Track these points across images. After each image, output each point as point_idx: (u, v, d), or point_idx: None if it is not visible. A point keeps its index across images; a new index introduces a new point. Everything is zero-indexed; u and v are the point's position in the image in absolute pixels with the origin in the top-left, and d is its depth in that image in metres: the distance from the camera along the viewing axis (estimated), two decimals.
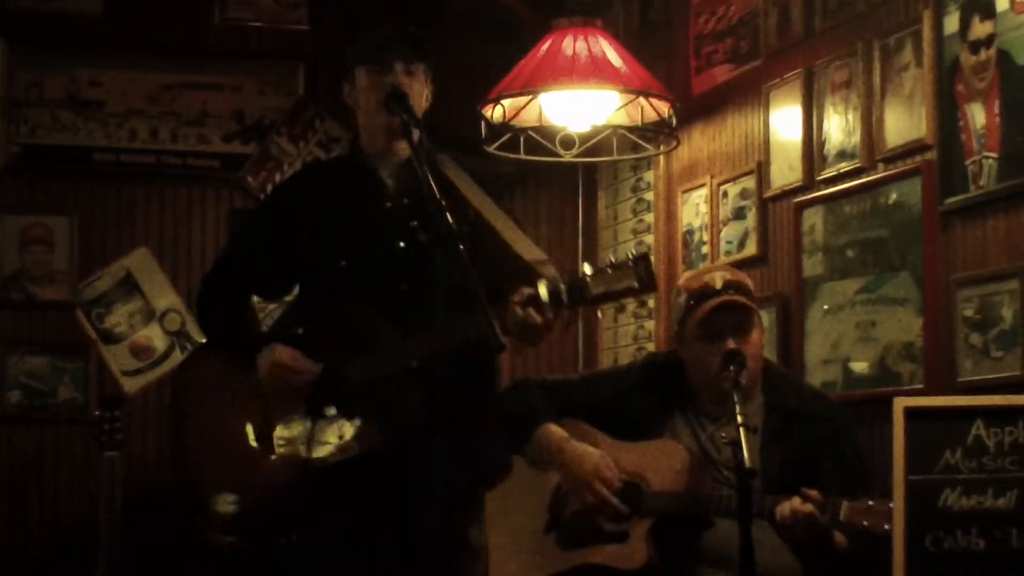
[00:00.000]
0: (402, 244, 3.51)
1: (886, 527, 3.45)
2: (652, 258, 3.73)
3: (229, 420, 3.55)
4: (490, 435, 3.57)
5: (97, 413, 5.44)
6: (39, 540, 6.00)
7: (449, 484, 3.32)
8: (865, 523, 3.54)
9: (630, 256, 3.29)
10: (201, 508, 3.57)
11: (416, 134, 3.41)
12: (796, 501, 3.61)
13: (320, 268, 3.55)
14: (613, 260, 3.28)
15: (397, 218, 3.53)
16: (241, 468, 3.51)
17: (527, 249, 3.44)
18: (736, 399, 3.52)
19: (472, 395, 3.44)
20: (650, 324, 5.84)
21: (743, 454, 3.34)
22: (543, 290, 3.26)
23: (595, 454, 3.90)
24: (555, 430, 3.96)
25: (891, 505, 3.41)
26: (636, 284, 3.25)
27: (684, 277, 4.37)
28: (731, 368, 3.70)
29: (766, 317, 4.63)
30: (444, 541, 3.35)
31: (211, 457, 3.57)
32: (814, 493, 3.61)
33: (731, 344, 3.84)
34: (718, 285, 3.92)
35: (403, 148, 3.55)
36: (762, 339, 3.96)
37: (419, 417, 3.32)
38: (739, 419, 3.43)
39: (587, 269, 3.32)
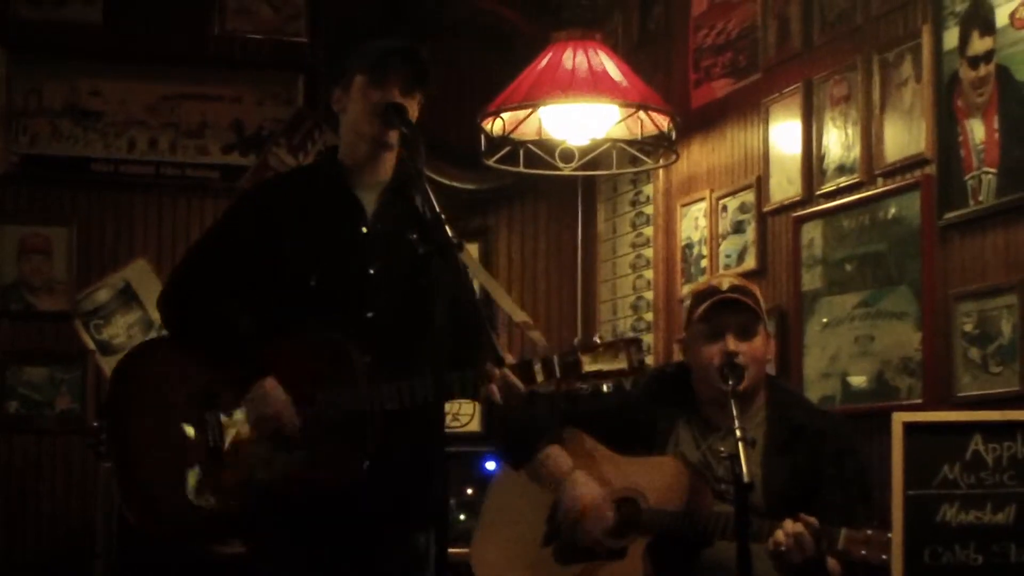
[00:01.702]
0: (372, 271, 3.46)
1: (883, 558, 3.41)
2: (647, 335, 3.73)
3: (171, 423, 3.49)
4: (434, 478, 3.53)
5: (95, 423, 5.44)
6: (37, 549, 5.99)
7: (386, 523, 3.38)
8: (863, 553, 3.51)
9: (622, 338, 3.37)
10: (132, 508, 3.51)
11: (414, 146, 3.37)
12: (789, 526, 3.58)
13: (289, 283, 3.45)
14: (601, 339, 3.34)
15: (372, 244, 3.48)
16: (179, 472, 3.45)
17: (513, 309, 3.49)
18: (735, 412, 3.50)
19: (419, 437, 3.41)
20: (649, 337, 5.84)
21: (741, 467, 3.33)
22: (537, 360, 3.30)
23: (590, 496, 3.84)
24: (559, 455, 3.90)
25: (889, 536, 3.35)
26: (626, 367, 3.30)
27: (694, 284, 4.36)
28: (729, 382, 3.68)
29: None
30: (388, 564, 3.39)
31: (150, 457, 3.50)
32: (812, 520, 3.57)
33: (731, 343, 3.80)
34: (723, 287, 3.90)
35: (385, 169, 3.50)
36: (767, 348, 3.91)
37: (366, 456, 3.33)
38: (738, 432, 3.42)
39: (577, 343, 3.36)
